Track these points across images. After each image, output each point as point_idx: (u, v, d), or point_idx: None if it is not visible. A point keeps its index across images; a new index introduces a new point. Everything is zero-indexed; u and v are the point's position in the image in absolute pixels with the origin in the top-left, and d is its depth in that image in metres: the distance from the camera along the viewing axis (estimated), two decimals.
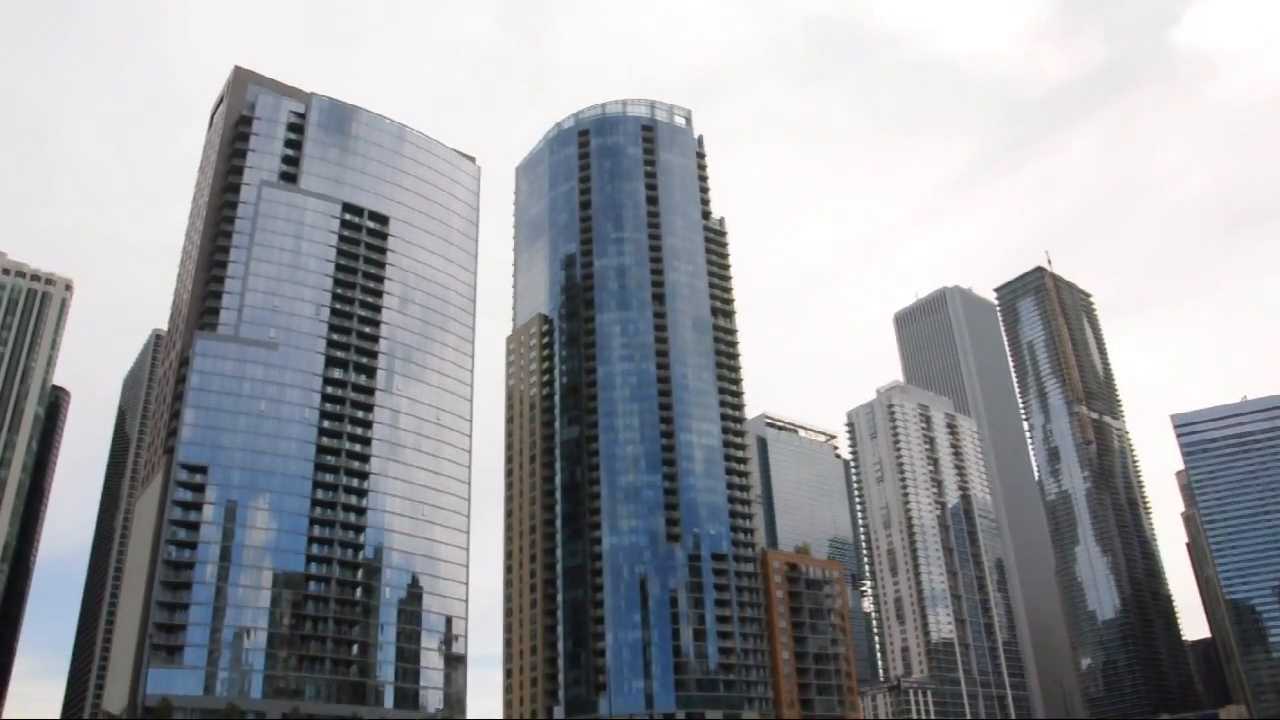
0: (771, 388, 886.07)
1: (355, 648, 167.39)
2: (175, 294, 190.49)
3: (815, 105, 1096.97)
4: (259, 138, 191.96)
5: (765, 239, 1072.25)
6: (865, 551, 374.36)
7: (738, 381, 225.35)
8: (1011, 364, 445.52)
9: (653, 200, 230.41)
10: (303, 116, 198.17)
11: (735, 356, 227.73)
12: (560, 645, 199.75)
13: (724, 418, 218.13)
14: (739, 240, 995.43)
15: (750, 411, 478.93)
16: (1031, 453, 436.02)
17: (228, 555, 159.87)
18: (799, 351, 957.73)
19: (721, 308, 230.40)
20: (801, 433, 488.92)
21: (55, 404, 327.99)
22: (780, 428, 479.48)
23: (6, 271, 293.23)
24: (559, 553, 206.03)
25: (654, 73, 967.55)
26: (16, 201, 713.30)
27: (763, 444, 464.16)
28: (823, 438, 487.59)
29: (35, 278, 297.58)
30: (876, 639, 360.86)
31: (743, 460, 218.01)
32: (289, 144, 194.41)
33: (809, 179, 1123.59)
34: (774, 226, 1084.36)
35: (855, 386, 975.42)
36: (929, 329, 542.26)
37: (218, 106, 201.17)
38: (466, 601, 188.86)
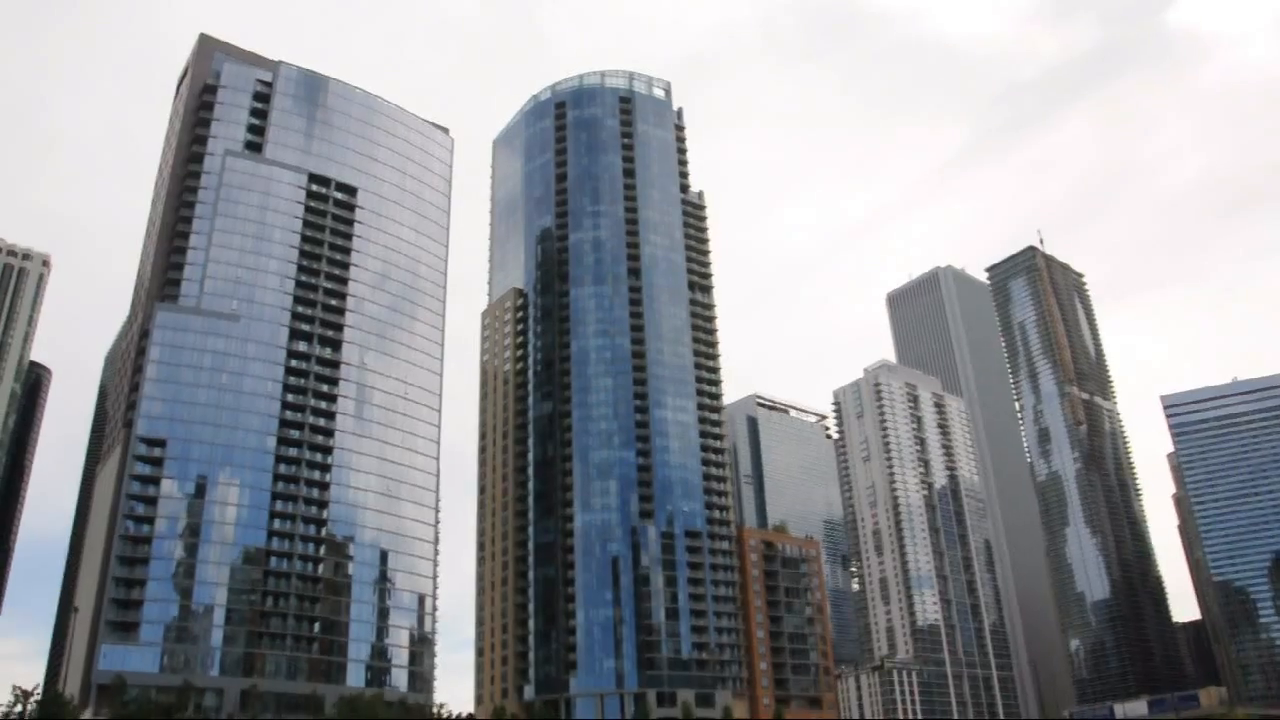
0: (765, 369, 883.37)
1: (318, 625, 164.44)
2: (139, 266, 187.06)
3: (807, 86, 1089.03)
4: (224, 106, 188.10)
5: (758, 220, 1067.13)
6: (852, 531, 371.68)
7: (715, 357, 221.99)
8: (1003, 344, 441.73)
9: (629, 173, 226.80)
10: (269, 86, 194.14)
11: (713, 331, 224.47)
12: (531, 624, 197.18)
13: (700, 393, 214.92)
14: (732, 222, 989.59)
15: (742, 392, 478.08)
16: (1023, 434, 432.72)
17: (186, 530, 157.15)
18: (793, 333, 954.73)
19: (699, 282, 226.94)
20: (792, 413, 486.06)
21: (36, 381, 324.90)
22: (771, 408, 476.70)
23: None
24: (531, 530, 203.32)
25: (644, 53, 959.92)
26: (6, 176, 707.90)
27: (753, 424, 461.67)
28: (814, 418, 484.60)
29: (12, 253, 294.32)
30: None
31: (719, 437, 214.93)
32: (255, 113, 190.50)
33: (802, 161, 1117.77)
34: (767, 208, 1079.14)
35: (849, 368, 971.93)
36: (922, 309, 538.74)
37: (184, 76, 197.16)
38: (434, 579, 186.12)
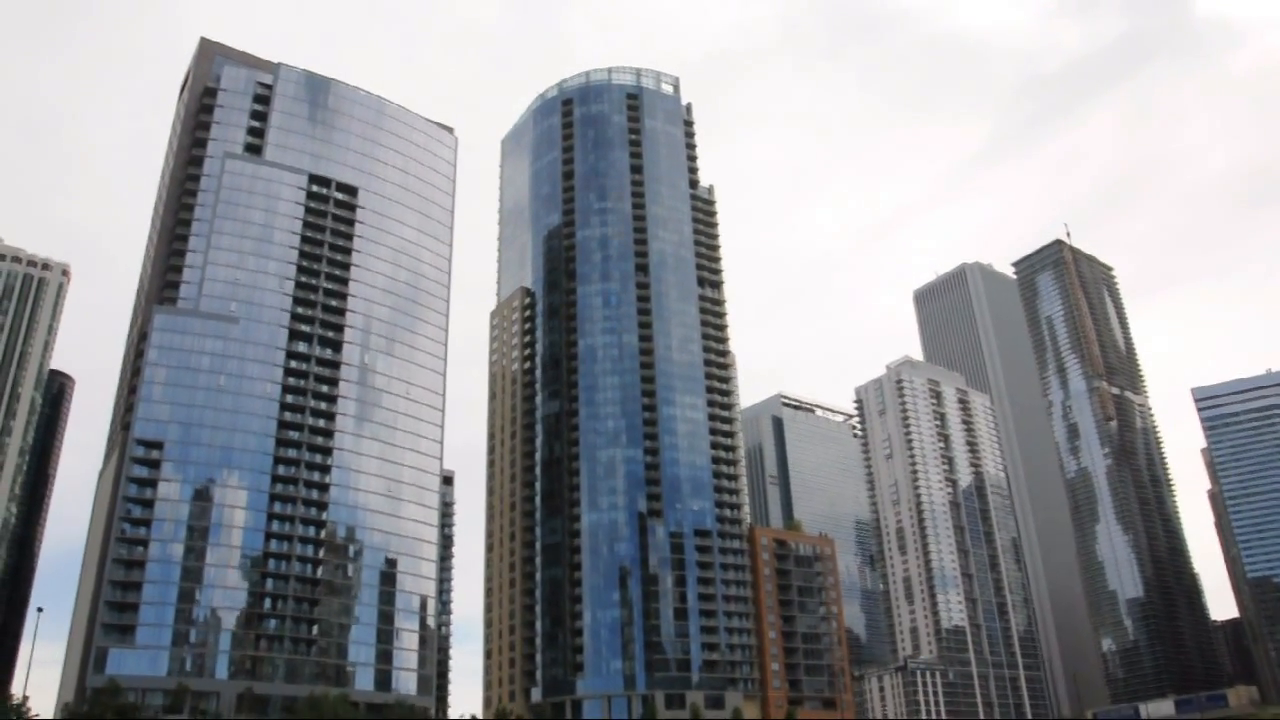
0: (794, 370, 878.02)
1: (317, 627, 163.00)
2: (141, 270, 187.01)
3: (829, 85, 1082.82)
4: (224, 110, 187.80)
5: (784, 220, 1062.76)
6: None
7: (725, 353, 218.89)
8: (1030, 340, 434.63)
9: (637, 169, 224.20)
10: (270, 88, 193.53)
11: (723, 328, 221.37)
12: (538, 625, 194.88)
13: (711, 390, 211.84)
14: (757, 222, 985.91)
15: (767, 392, 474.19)
16: (1053, 430, 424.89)
17: (184, 533, 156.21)
18: (821, 333, 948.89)
19: (709, 278, 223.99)
20: (819, 413, 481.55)
21: (60, 390, 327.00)
22: (796, 407, 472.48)
23: (2, 257, 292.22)
24: (538, 531, 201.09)
25: (665, 54, 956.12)
26: (24, 190, 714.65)
27: (779, 424, 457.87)
28: (840, 417, 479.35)
29: (32, 263, 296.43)
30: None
31: (730, 434, 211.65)
32: (255, 116, 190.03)
33: (826, 159, 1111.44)
34: (792, 208, 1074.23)
35: (878, 367, 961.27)
36: (949, 306, 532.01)
37: (186, 81, 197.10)
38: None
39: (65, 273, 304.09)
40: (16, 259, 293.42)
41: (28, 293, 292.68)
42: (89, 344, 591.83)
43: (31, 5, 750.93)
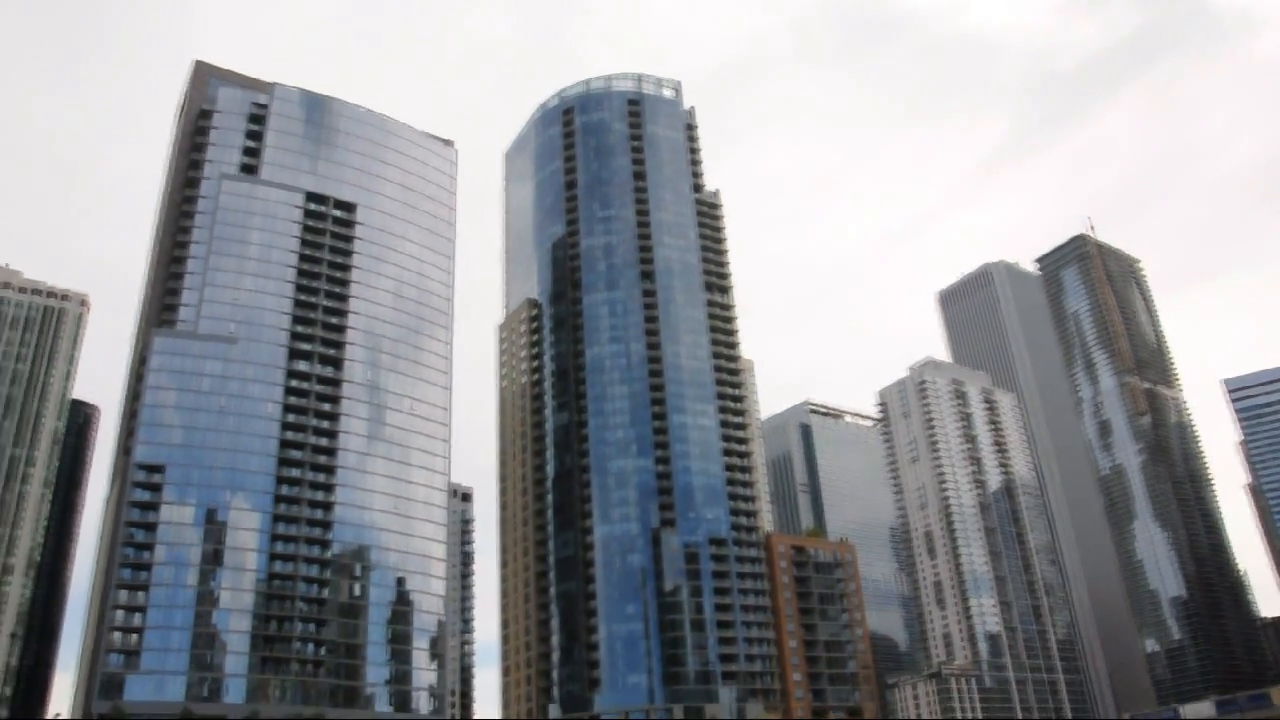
0: (827, 377, 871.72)
1: (324, 649, 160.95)
2: (141, 295, 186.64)
3: (844, 90, 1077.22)
4: (219, 131, 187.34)
5: (806, 227, 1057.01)
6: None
7: (736, 358, 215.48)
8: (1057, 336, 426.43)
9: (640, 175, 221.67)
10: (265, 108, 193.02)
11: (733, 332, 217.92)
12: (554, 641, 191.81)
13: (722, 396, 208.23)
14: (778, 229, 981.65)
15: (793, 400, 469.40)
16: (1085, 428, 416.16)
17: (188, 556, 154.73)
18: (848, 339, 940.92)
19: (717, 282, 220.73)
20: (847, 418, 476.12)
21: (86, 420, 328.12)
22: (824, 414, 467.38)
23: (22, 290, 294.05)
24: (551, 544, 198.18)
25: (677, 67, 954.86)
26: (43, 223, 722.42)
27: (806, 431, 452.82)
28: (870, 422, 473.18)
29: (51, 295, 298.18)
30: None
31: (743, 440, 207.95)
32: (250, 136, 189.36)
33: (845, 165, 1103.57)
34: (813, 215, 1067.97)
35: (905, 370, 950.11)
36: (974, 306, 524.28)
37: (182, 105, 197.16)
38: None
39: (84, 302, 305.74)
40: (36, 291, 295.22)
41: (48, 324, 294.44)
42: (112, 373, 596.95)
43: (38, 37, 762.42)
